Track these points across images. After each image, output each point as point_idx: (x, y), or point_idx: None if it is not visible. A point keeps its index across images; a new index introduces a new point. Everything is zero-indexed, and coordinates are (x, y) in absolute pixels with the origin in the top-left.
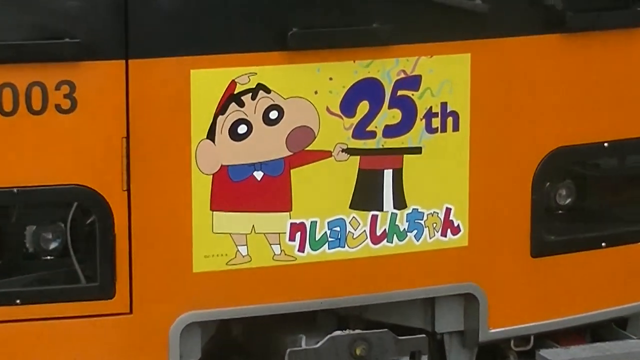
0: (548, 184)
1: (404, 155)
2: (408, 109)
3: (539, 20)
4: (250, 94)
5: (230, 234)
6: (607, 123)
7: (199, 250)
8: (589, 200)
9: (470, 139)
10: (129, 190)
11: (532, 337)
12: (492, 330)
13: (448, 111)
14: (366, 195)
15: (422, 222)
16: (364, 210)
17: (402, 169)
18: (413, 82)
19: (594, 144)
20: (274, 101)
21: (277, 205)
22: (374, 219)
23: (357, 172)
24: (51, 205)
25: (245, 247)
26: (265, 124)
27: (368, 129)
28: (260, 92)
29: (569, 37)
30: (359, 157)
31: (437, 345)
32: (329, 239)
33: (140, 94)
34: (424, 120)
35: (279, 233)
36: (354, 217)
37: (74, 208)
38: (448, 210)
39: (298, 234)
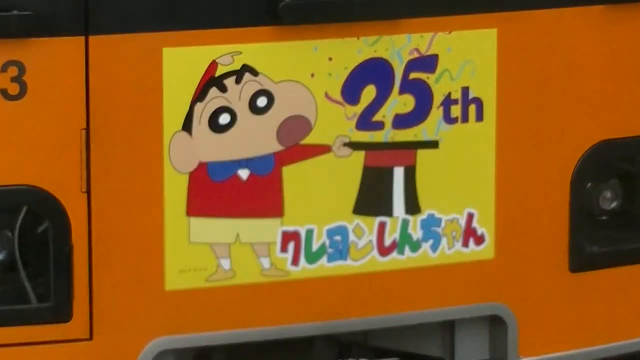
0: (590, 184)
1: (418, 150)
2: (422, 95)
3: None
4: (234, 77)
5: (210, 244)
6: None
7: (172, 263)
8: (639, 203)
9: (496, 131)
10: (89, 192)
11: None
12: (524, 359)
13: (470, 97)
14: (372, 198)
15: (439, 230)
16: (369, 215)
17: (415, 166)
18: (428, 62)
19: None
20: (262, 86)
21: (267, 209)
22: (382, 226)
23: (361, 170)
24: None
25: (228, 259)
26: (252, 112)
27: (375, 118)
28: (246, 74)
29: (616, 8)
30: (363, 152)
31: None
32: (328, 251)
33: (102, 77)
34: (441, 108)
35: (269, 243)
36: (357, 224)
37: (23, 213)
38: (470, 215)
39: (291, 244)
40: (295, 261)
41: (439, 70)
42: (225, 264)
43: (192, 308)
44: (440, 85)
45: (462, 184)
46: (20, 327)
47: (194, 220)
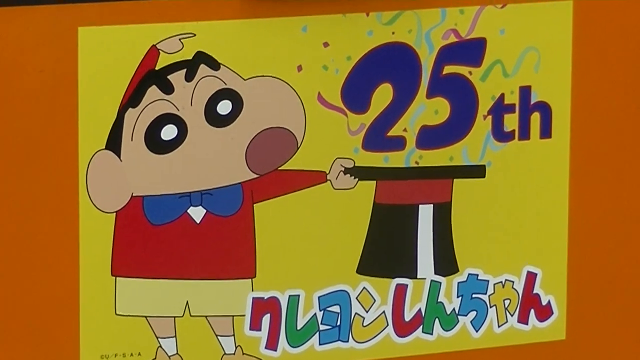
0: None
1: (455, 180)
2: (462, 98)
3: None
4: (184, 70)
5: (146, 317)
6: None
7: (90, 346)
8: None
9: (571, 152)
10: None
11: None
12: None
13: (533, 102)
14: (387, 250)
15: (485, 298)
16: (382, 276)
17: (450, 203)
18: (471, 50)
19: None
20: (225, 84)
21: (231, 267)
22: (401, 292)
23: (371, 208)
24: None
25: (174, 340)
26: (210, 123)
27: (391, 133)
28: (202, 67)
29: None
30: (374, 182)
31: None
32: (321, 328)
33: None
34: (490, 118)
35: (233, 316)
36: (364, 288)
37: None
38: (532, 277)
39: (266, 318)
40: (272, 343)
41: (487, 61)
42: (169, 347)
43: None
44: (489, 84)
45: (520, 230)
46: None
47: (123, 283)
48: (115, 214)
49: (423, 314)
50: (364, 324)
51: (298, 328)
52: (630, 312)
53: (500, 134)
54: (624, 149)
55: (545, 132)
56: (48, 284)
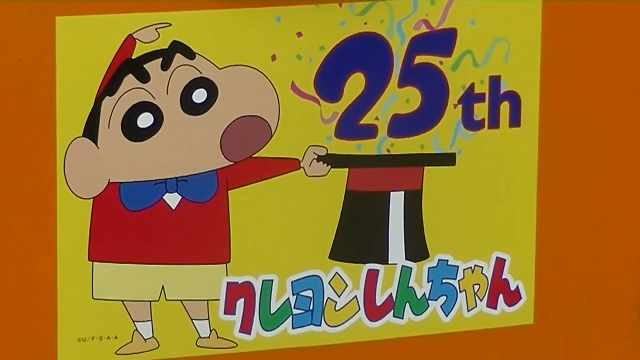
0: None
1: (425, 168)
2: (433, 87)
3: None
4: (160, 59)
5: (123, 301)
6: None
7: (68, 329)
8: None
9: (539, 140)
10: None
11: None
12: None
13: (502, 92)
14: (359, 236)
15: (455, 283)
16: (354, 262)
17: (421, 191)
18: (442, 40)
19: None
20: (200, 73)
21: (206, 252)
22: (373, 277)
23: (343, 195)
24: None
25: (149, 324)
26: (186, 111)
27: (363, 121)
28: (178, 56)
29: None
30: (347, 170)
31: None
32: (294, 312)
33: None
34: (460, 107)
35: (208, 300)
36: (337, 273)
37: None
38: (500, 262)
39: (240, 302)
40: (246, 327)
41: (457, 51)
42: (145, 330)
43: None
44: (459, 74)
45: (489, 217)
46: None
47: (100, 268)
48: (92, 200)
49: (394, 298)
50: (336, 309)
51: (272, 312)
52: (597, 298)
53: (471, 123)
54: (591, 138)
55: (515, 121)
56: (25, 269)
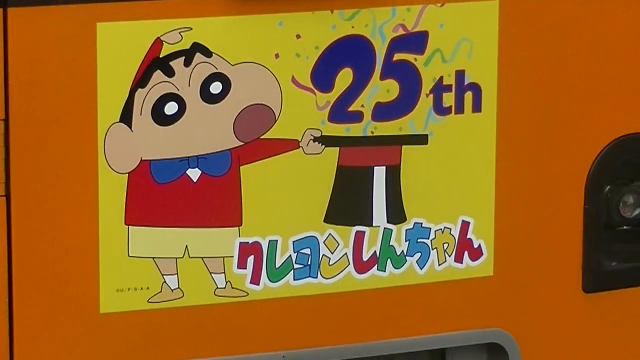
0: (608, 188)
1: (403, 147)
2: (409, 80)
3: None
4: (183, 57)
5: (153, 258)
6: None
7: (108, 281)
8: None
9: (497, 124)
10: (7, 195)
11: None
12: None
13: (466, 83)
14: (348, 204)
15: (428, 242)
16: (344, 225)
17: (399, 165)
18: (416, 41)
19: None
20: (216, 68)
21: (221, 217)
22: (360, 237)
23: (335, 170)
24: None
25: (175, 277)
26: (204, 101)
27: (351, 108)
28: (197, 55)
29: None
30: (337, 148)
31: None
32: (295, 266)
33: (24, 58)
34: (431, 96)
35: (224, 257)
36: (330, 234)
37: None
38: (465, 225)
39: (250, 259)
40: (255, 279)
41: (429, 50)
42: (172, 282)
43: (131, 334)
44: (431, 69)
45: (456, 187)
46: None
47: (134, 230)
48: (127, 174)
49: (377, 255)
50: (330, 264)
51: (276, 267)
52: (545, 254)
53: (440, 109)
54: (540, 121)
55: (477, 107)
56: (72, 233)
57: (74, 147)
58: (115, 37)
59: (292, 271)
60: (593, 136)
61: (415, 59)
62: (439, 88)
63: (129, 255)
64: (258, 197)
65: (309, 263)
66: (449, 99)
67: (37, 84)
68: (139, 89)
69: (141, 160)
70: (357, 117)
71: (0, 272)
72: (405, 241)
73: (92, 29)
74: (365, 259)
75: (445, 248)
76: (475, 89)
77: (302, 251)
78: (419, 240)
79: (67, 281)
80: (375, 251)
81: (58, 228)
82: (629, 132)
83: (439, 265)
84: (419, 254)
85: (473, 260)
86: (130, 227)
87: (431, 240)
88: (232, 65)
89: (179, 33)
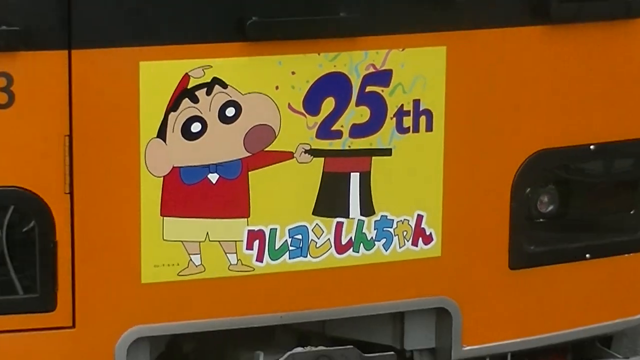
0: (529, 189)
1: (373, 157)
2: (377, 106)
3: (521, 10)
4: (205, 88)
5: (182, 241)
6: (594, 124)
7: (148, 259)
8: (573, 208)
9: (444, 140)
10: (71, 193)
11: (509, 356)
12: (466, 348)
13: (421, 109)
14: (331, 201)
15: (391, 230)
16: (328, 217)
17: (370, 172)
18: (383, 77)
19: (580, 147)
20: (230, 97)
21: (234, 210)
22: (339, 226)
23: (321, 175)
24: None
25: (199, 256)
26: (222, 121)
27: (333, 128)
28: (216, 86)
29: (553, 29)
30: (323, 158)
31: None
32: (290, 248)
33: (84, 88)
34: (394, 119)
35: (236, 241)
36: (317, 224)
37: (11, 212)
38: (420, 217)
39: (256, 242)
40: (259, 257)
41: (393, 84)
42: (196, 259)
43: (165, 300)
44: (394, 98)
45: (413, 188)
46: (9, 316)
47: (168, 220)
48: (162, 177)
49: (353, 240)
50: (317, 246)
51: (276, 248)
52: (479, 241)
53: (401, 129)
54: (476, 139)
55: (429, 127)
56: (121, 222)
57: (122, 156)
58: (153, 73)
59: (288, 252)
60: (517, 150)
61: (382, 91)
62: (401, 113)
63: (163, 239)
64: (262, 195)
65: (301, 246)
66: (408, 121)
67: (94, 108)
68: (172, 113)
69: (173, 167)
70: (338, 134)
71: (66, 250)
72: (374, 229)
73: (136, 66)
74: (343, 242)
75: (404, 235)
76: (428, 113)
77: (295, 237)
78: (384, 229)
79: (116, 258)
80: (351, 237)
81: (109, 218)
82: (543, 147)
83: (400, 248)
84: (385, 239)
85: (425, 244)
86: (164, 217)
87: (394, 229)
88: (243, 95)
89: (202, 70)
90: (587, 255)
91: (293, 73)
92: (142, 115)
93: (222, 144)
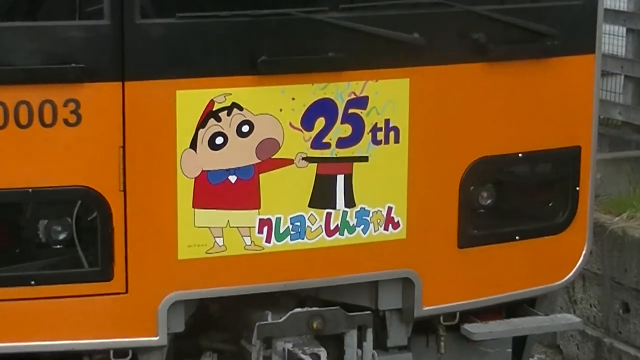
0: (472, 187)
1: (354, 163)
2: (357, 124)
3: (466, 50)
4: (226, 110)
5: (208, 227)
6: (521, 137)
7: (183, 240)
8: (506, 201)
9: (408, 150)
10: (125, 190)
11: (457, 314)
12: (425, 308)
13: (390, 126)
14: (322, 196)
15: (368, 218)
16: (320, 208)
17: (352, 174)
18: (361, 102)
19: (511, 155)
20: (245, 117)
21: (248, 203)
22: (329, 216)
23: (314, 176)
24: (60, 202)
25: (222, 238)
26: (239, 136)
27: (324, 140)
28: (235, 109)
29: (490, 65)
30: (316, 164)
31: (380, 320)
32: (291, 232)
33: (134, 111)
34: (370, 133)
35: (249, 227)
36: (312, 214)
37: (79, 205)
38: (390, 208)
39: (265, 228)
40: (267, 239)
41: (369, 107)
42: (219, 241)
43: (195, 272)
44: (370, 118)
45: (384, 187)
46: (77, 285)
47: (198, 211)
48: (194, 179)
49: (339, 226)
50: (311, 231)
51: (280, 232)
52: (436, 225)
53: (375, 141)
54: (433, 149)
55: (396, 140)
56: (164, 211)
57: (163, 162)
58: (186, 99)
59: (289, 235)
60: (463, 157)
61: (361, 112)
62: (375, 129)
63: (194, 226)
64: (270, 192)
65: (299, 230)
66: (380, 136)
67: (141, 126)
68: (201, 129)
69: (202, 170)
70: (327, 146)
71: (120, 234)
72: (355, 218)
73: (174, 94)
74: (331, 228)
75: (378, 222)
76: (396, 129)
77: (295, 223)
78: (362, 217)
79: (158, 240)
80: (337, 224)
81: (153, 209)
82: (483, 155)
83: (375, 232)
84: (363, 225)
85: (394, 229)
86: (195, 209)
87: (370, 217)
88: (255, 115)
89: (224, 96)
90: (517, 237)
91: (293, 99)
92: (178, 131)
93: (239, 153)
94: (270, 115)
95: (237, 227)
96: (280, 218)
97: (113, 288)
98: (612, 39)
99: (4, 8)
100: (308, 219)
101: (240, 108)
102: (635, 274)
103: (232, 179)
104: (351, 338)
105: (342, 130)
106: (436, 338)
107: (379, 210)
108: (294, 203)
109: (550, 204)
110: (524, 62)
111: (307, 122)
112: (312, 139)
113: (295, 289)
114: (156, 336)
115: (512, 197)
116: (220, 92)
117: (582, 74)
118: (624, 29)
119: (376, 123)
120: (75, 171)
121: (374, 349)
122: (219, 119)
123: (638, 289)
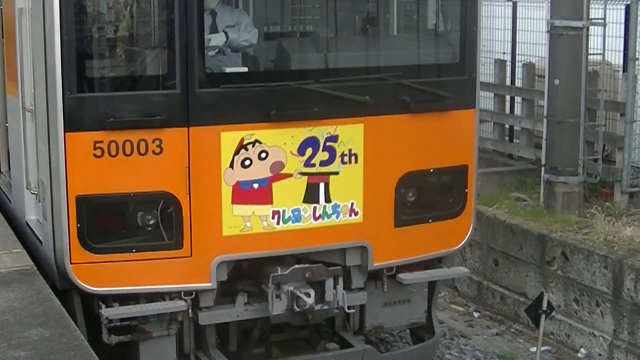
0: (402, 190)
1: (330, 176)
2: (332, 152)
3: (397, 106)
4: (251, 144)
5: (241, 216)
6: (432, 159)
7: (225, 224)
8: (423, 198)
9: (363, 167)
10: (190, 194)
11: (394, 268)
12: (375, 264)
13: (352, 153)
14: (311, 196)
15: (339, 209)
16: (309, 203)
17: (329, 182)
18: (334, 138)
19: (425, 170)
20: (263, 148)
21: (265, 201)
22: (315, 208)
23: (306, 184)
24: (150, 201)
25: (249, 222)
26: (259, 159)
27: (312, 162)
28: (257, 143)
29: (412, 115)
30: (307, 176)
31: (347, 272)
32: (292, 218)
33: (195, 145)
34: (340, 157)
35: (266, 215)
36: (304, 207)
37: (162, 203)
38: (352, 203)
39: (276, 216)
40: (277, 223)
41: (339, 141)
42: (248, 224)
43: (234, 243)
44: (340, 148)
45: (349, 190)
46: (162, 251)
47: (234, 206)
48: (232, 186)
49: (321, 214)
50: (304, 217)
51: (285, 218)
52: (384, 214)
53: (343, 162)
54: (378, 166)
55: (356, 161)
56: (214, 206)
57: (213, 176)
58: (227, 137)
59: (291, 220)
60: (396, 172)
61: (334, 144)
62: (343, 155)
63: (232, 215)
64: (278, 193)
65: (297, 217)
66: (346, 159)
67: (199, 154)
68: (236, 156)
69: (236, 181)
70: (314, 165)
71: (187, 221)
72: (331, 209)
73: (219, 135)
74: (317, 216)
75: (345, 211)
76: (355, 155)
77: (294, 213)
78: (336, 209)
79: (211, 224)
80: (320, 213)
81: (207, 205)
82: (409, 170)
83: (343, 218)
84: (336, 214)
85: (355, 216)
86: (233, 205)
87: (340, 209)
88: (269, 146)
89: (250, 135)
90: (430, 220)
91: (292, 136)
92: (222, 157)
93: (259, 170)
94: (279, 146)
95: (259, 215)
96: (285, 209)
97: (183, 253)
98: (485, 99)
99: (117, 83)
100: (302, 210)
101: (260, 142)
102: (501, 242)
103: (255, 185)
104: (329, 283)
105: (322, 155)
106: (381, 283)
107: (345, 204)
108: (293, 200)
109: (450, 200)
110: (433, 114)
111: (301, 150)
112: (304, 161)
113: (295, 253)
114: (209, 282)
115: (426, 195)
116: (247, 133)
117: (468, 120)
118: (492, 94)
119: (343, 151)
120: (159, 182)
121: (343, 289)
122: (247, 149)
123: (503, 252)
